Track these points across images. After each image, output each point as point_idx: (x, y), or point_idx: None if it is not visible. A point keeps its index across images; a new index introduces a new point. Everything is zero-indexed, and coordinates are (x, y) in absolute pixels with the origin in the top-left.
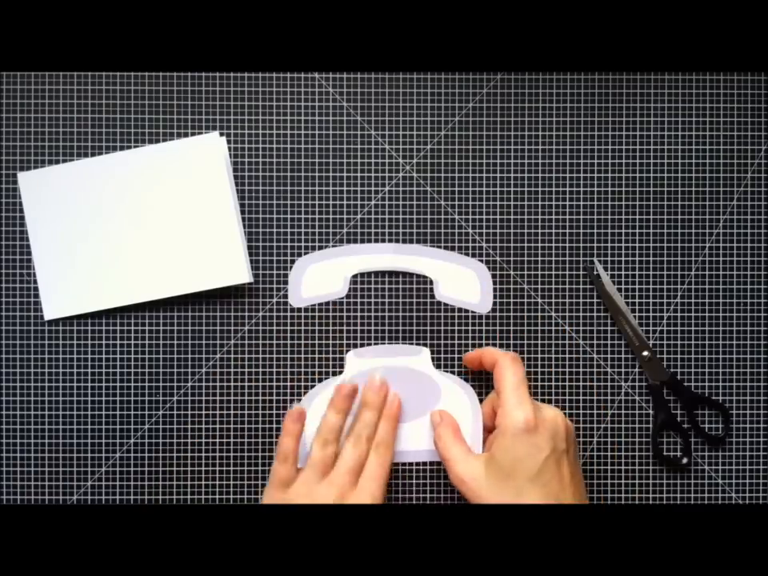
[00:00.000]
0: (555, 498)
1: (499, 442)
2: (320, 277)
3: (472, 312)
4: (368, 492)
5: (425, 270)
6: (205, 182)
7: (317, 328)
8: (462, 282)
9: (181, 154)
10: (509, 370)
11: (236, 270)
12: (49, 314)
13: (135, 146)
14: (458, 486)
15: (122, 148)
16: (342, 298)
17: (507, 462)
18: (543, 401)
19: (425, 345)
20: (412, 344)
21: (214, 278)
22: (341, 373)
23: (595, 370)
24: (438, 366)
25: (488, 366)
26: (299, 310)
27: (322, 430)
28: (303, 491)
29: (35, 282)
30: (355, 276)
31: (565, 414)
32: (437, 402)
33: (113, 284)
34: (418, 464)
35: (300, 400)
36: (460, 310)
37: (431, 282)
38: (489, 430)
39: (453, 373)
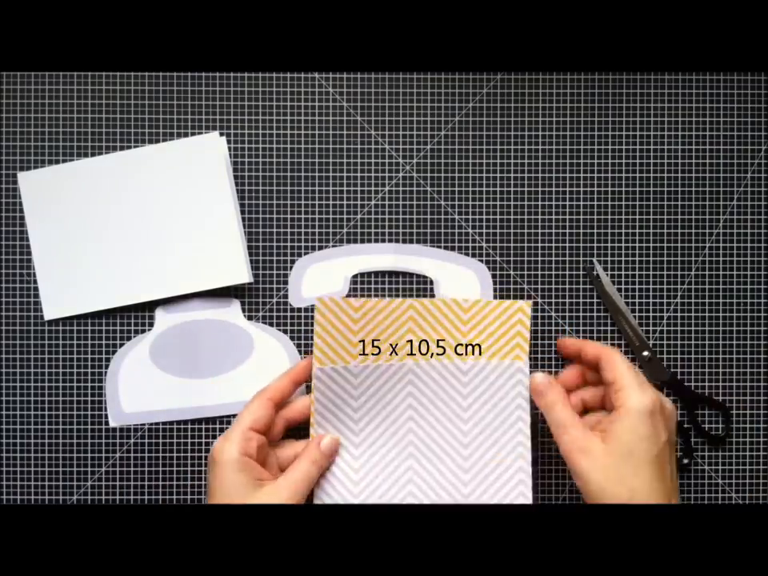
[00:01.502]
0: (665, 485)
1: (622, 422)
2: (320, 277)
3: None
4: None
5: (425, 270)
6: (205, 182)
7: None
8: (462, 282)
9: (181, 153)
10: (619, 357)
11: (236, 270)
12: (49, 314)
13: (135, 146)
14: (573, 456)
15: (122, 148)
16: None
17: (630, 441)
18: None
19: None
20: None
21: (214, 278)
22: (150, 329)
23: None
24: None
25: (588, 357)
26: (299, 309)
27: None
28: None
29: (35, 282)
30: (355, 276)
31: None
32: (250, 354)
33: (113, 284)
34: None
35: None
36: None
37: (431, 282)
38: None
39: None
